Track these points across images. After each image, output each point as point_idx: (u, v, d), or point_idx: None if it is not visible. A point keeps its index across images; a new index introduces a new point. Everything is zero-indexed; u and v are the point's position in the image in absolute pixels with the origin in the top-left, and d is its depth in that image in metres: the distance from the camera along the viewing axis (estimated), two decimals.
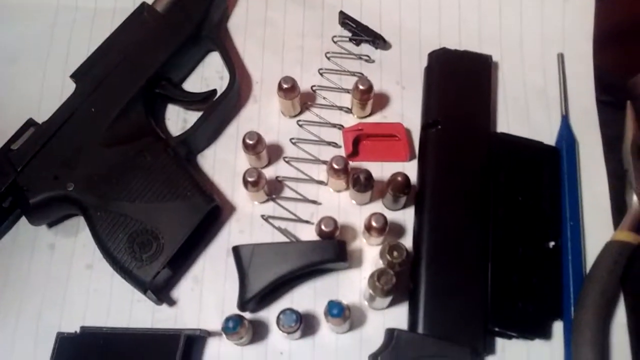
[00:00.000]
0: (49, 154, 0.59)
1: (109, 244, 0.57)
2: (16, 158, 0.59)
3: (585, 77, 0.69)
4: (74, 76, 0.63)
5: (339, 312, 0.54)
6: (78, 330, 0.57)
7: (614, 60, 0.71)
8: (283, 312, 0.55)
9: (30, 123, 0.62)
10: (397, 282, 0.54)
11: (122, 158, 0.60)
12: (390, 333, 0.56)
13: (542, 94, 0.68)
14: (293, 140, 0.66)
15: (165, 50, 0.64)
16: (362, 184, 0.59)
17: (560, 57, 0.69)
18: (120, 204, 0.58)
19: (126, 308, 0.60)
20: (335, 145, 0.66)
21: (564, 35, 0.70)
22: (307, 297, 0.60)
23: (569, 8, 0.71)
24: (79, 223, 0.63)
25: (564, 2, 0.71)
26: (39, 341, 0.59)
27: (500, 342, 0.58)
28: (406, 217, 0.63)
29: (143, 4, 0.66)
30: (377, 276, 0.54)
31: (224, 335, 0.56)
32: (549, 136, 0.66)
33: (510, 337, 0.58)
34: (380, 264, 0.58)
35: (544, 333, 0.58)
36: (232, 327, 0.54)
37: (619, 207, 0.63)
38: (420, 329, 0.56)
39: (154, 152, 0.60)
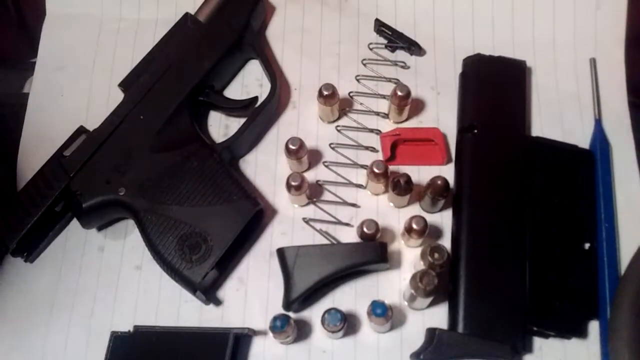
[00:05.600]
0: (100, 160, 0.62)
1: (160, 246, 0.59)
2: (69, 164, 0.62)
3: (617, 81, 0.70)
4: (123, 84, 0.66)
5: (383, 311, 0.56)
6: (131, 329, 0.59)
7: None
8: (328, 311, 0.56)
9: (81, 130, 0.64)
10: (437, 283, 0.56)
11: (170, 163, 0.62)
12: (432, 332, 0.58)
13: (575, 98, 0.69)
14: (332, 145, 0.68)
15: (209, 59, 0.66)
16: (402, 187, 0.61)
17: (593, 62, 0.70)
18: (170, 208, 0.60)
19: (174, 308, 0.62)
20: (373, 149, 0.67)
21: (596, 40, 0.72)
22: (348, 297, 0.62)
23: (600, 14, 0.72)
24: (127, 226, 0.65)
25: (595, 7, 0.72)
26: (91, 340, 0.61)
27: (537, 341, 0.60)
28: (443, 219, 0.65)
29: (187, 15, 0.68)
30: (419, 277, 0.56)
31: (269, 334, 0.58)
32: (582, 140, 0.67)
33: (547, 336, 0.59)
34: (419, 265, 0.60)
35: (581, 332, 0.59)
36: (280, 325, 0.56)
37: None
38: (460, 329, 0.58)
39: (200, 158, 0.62)
